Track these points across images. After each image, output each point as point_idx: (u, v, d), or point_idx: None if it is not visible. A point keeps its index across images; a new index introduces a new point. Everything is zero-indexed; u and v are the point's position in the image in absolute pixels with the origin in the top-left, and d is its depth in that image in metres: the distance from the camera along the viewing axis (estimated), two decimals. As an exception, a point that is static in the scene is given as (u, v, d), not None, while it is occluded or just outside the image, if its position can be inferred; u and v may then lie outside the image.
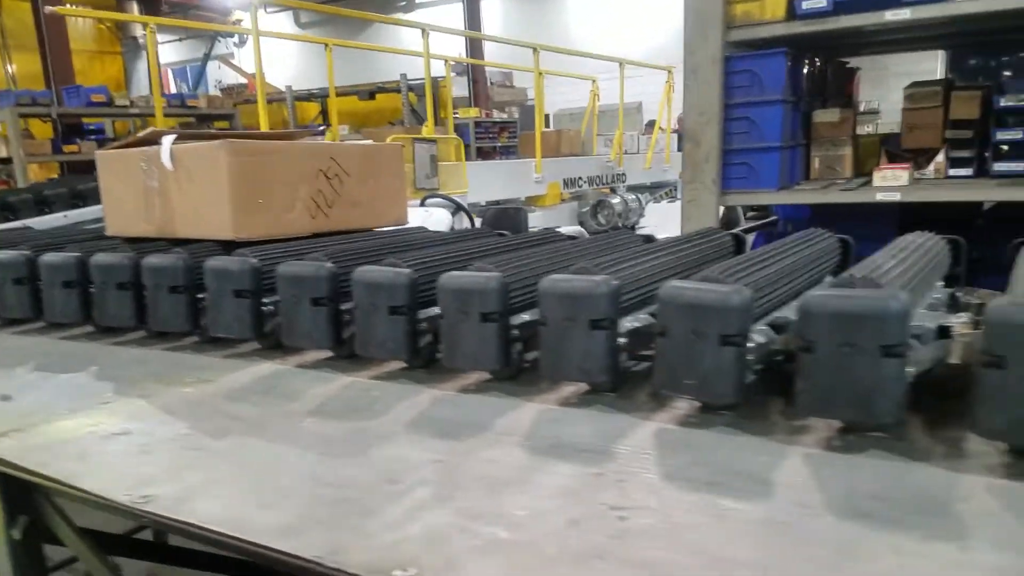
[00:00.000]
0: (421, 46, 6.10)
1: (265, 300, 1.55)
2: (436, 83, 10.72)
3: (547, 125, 12.64)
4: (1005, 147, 3.41)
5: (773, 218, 5.32)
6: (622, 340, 1.16)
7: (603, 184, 7.77)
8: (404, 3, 16.86)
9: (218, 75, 18.09)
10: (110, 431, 1.21)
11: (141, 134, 2.10)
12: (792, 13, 3.40)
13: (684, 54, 3.65)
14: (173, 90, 18.14)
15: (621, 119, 7.90)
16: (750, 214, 6.40)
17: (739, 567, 0.76)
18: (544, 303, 1.19)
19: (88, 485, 1.03)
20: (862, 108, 9.47)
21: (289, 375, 1.48)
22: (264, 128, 5.07)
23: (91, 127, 11.70)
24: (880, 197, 3.44)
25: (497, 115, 11.30)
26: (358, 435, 1.16)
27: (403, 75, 11.05)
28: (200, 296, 1.62)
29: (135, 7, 15.13)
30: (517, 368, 1.33)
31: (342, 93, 12.45)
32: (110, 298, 1.74)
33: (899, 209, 3.72)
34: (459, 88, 12.49)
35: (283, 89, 12.07)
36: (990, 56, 3.81)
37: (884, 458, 0.99)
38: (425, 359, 1.41)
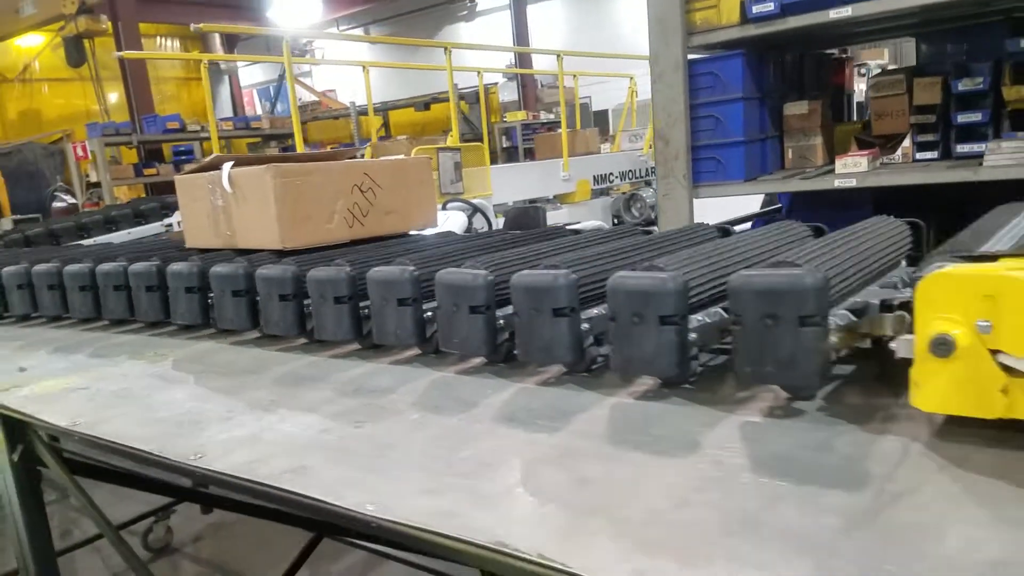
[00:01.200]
0: (478, 59, 6.58)
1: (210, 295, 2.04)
2: (487, 91, 11.26)
3: (606, 122, 12.96)
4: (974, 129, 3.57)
5: (777, 205, 5.53)
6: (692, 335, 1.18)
7: (636, 178, 8.06)
8: (465, 12, 17.47)
9: (299, 93, 19.20)
10: (76, 387, 1.73)
11: (206, 160, 2.49)
12: (745, 17, 3.67)
13: (650, 61, 3.98)
14: (259, 110, 19.47)
15: (652, 114, 8.14)
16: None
17: (395, 449, 1.17)
18: (610, 300, 1.22)
19: (46, 417, 1.53)
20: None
21: (222, 350, 1.96)
22: (300, 147, 5.69)
23: (181, 148, 12.86)
24: (838, 184, 3.67)
25: (544, 116, 11.72)
26: (237, 386, 1.62)
27: (454, 86, 11.60)
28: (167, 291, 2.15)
29: (217, 38, 16.28)
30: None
31: (401, 106, 13.15)
32: (110, 296, 2.29)
33: (872, 194, 3.93)
34: (510, 92, 12.97)
35: (347, 105, 12.83)
36: (951, 42, 3.95)
37: (568, 389, 1.37)
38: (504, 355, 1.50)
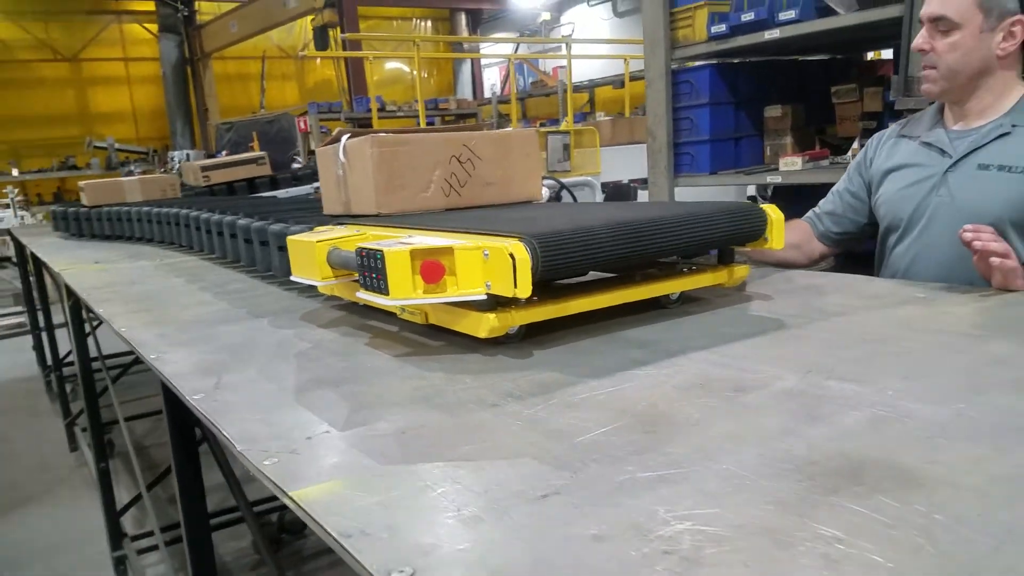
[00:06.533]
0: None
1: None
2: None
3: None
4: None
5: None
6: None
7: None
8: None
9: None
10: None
11: (334, 132, 2.65)
12: (709, 35, 4.58)
13: (645, 69, 5.00)
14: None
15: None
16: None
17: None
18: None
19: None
20: None
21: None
22: (423, 122, 7.33)
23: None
24: (769, 179, 4.46)
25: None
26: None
27: (646, 65, 12.60)
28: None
29: (463, 18, 18.72)
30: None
31: (603, 83, 14.43)
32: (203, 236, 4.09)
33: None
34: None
35: (556, 83, 14.39)
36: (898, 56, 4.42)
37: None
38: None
